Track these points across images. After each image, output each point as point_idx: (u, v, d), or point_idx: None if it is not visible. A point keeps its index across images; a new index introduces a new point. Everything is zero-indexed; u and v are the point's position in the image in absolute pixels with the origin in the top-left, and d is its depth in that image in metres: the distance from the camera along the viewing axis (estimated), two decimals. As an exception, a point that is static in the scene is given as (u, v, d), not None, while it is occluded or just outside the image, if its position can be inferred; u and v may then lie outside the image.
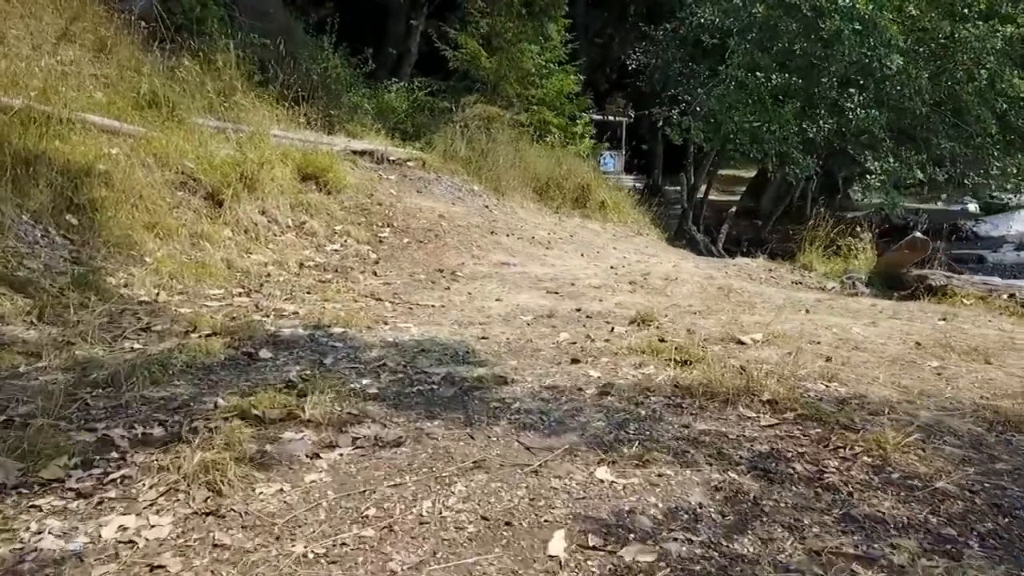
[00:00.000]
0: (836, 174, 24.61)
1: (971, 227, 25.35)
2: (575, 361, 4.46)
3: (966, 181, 17.97)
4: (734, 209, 27.05)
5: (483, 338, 5.10)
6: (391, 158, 11.66)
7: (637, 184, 33.51)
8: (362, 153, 11.50)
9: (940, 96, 16.69)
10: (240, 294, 6.59)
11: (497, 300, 6.73)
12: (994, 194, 26.24)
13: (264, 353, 4.53)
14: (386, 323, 5.54)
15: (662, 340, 5.01)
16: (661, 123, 27.04)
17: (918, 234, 9.02)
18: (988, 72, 16.12)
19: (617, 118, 34.71)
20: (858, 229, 11.54)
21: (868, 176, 16.53)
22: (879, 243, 12.44)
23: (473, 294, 7.01)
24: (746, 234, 26.23)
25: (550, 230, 11.14)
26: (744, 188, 29.98)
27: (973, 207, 29.36)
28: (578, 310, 6.30)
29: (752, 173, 30.12)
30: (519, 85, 15.95)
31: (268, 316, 5.73)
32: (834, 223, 12.19)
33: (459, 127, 12.40)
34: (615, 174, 35.91)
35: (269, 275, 7.33)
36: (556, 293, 7.19)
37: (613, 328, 5.45)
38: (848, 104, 16.26)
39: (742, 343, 5.02)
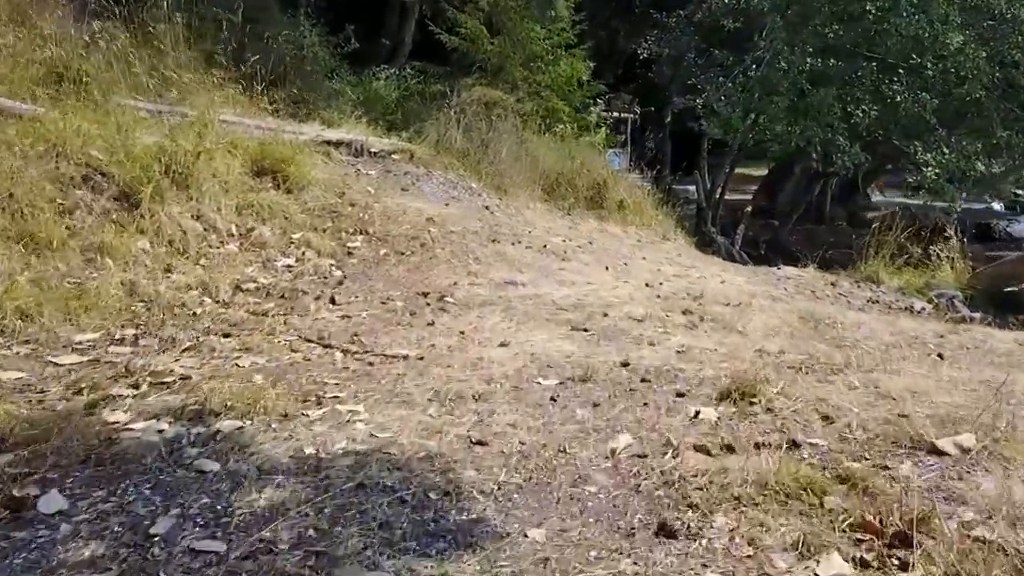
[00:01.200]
0: (857, 171, 22.28)
1: (1004, 227, 22.97)
2: (666, 532, 2.13)
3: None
4: (750, 209, 24.73)
5: (479, 443, 2.80)
6: (372, 150, 9.38)
7: (645, 184, 31.21)
8: (337, 144, 9.21)
9: (994, 80, 14.36)
10: (121, 341, 4.30)
11: (502, 345, 4.43)
12: (1019, 192, 23.94)
13: (52, 500, 2.25)
14: (320, 403, 3.24)
15: (795, 444, 2.72)
16: (669, 118, 24.68)
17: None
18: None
19: (623, 115, 32.30)
20: (947, 233, 9.18)
21: (924, 169, 14.16)
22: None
23: (468, 333, 4.71)
24: (763, 235, 23.98)
25: (564, 236, 8.83)
26: (756, 187, 27.60)
27: (998, 205, 26.92)
28: (625, 365, 4.00)
29: (763, 171, 27.73)
30: (525, 69, 13.61)
31: (136, 387, 3.44)
32: (904, 226, 9.85)
33: (454, 114, 10.05)
34: (621, 173, 33.67)
35: (183, 305, 5.04)
36: (584, 330, 4.89)
37: (698, 413, 3.14)
38: (896, 87, 13.94)
39: (941, 452, 2.71)
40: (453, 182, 9.34)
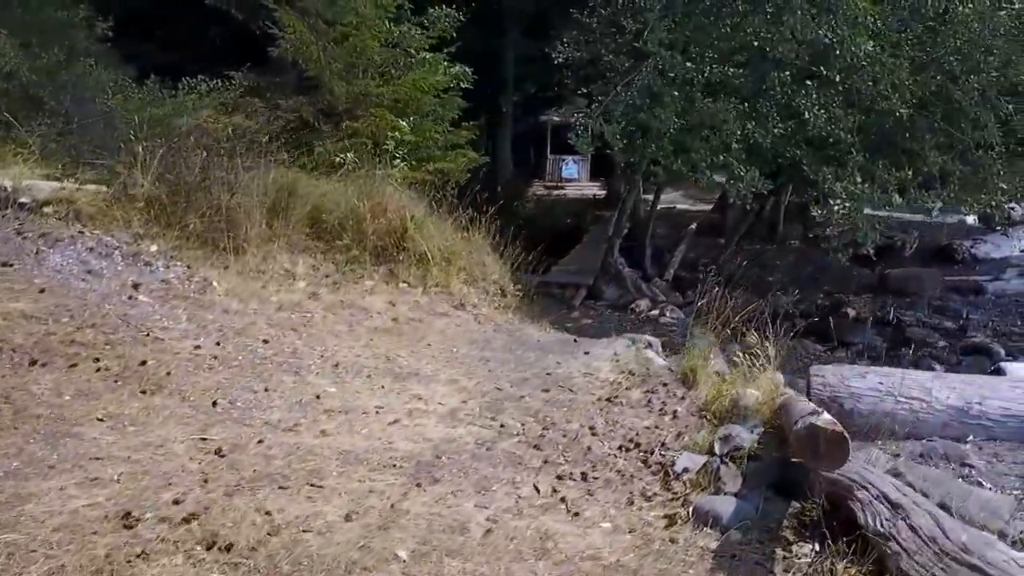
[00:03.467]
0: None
1: (968, 247, 19.74)
2: None
3: (963, 208, 12.62)
4: (695, 226, 21.63)
5: None
6: (22, 200, 6.66)
7: (598, 193, 28.21)
8: (-35, 194, 6.52)
9: (927, 94, 11.31)
10: None
11: None
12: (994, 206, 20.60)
13: None
14: None
15: None
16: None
17: (824, 420, 3.63)
18: (995, 60, 10.74)
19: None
20: (768, 324, 6.12)
21: (830, 201, 11.17)
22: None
23: None
24: (707, 256, 20.89)
25: (242, 326, 6.04)
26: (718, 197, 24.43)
27: (972, 219, 23.49)
28: None
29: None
30: (344, 81, 10.73)
31: None
32: (743, 302, 6.91)
33: (143, 147, 7.18)
34: (577, 181, 30.61)
35: None
36: None
37: None
38: (803, 102, 10.97)
39: None
40: (113, 247, 6.56)
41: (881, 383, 6.52)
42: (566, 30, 16.25)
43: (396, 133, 9.41)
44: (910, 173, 11.23)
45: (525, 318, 9.19)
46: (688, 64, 11.50)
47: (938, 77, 11.23)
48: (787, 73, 11.43)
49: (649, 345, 8.28)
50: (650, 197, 19.75)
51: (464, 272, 9.08)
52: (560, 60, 15.29)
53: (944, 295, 18.11)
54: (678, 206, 25.70)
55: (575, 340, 8.26)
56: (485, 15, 20.34)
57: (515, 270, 9.95)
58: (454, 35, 13.73)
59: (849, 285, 18.40)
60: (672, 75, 11.38)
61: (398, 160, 9.09)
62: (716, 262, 19.94)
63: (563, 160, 30.28)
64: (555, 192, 28.69)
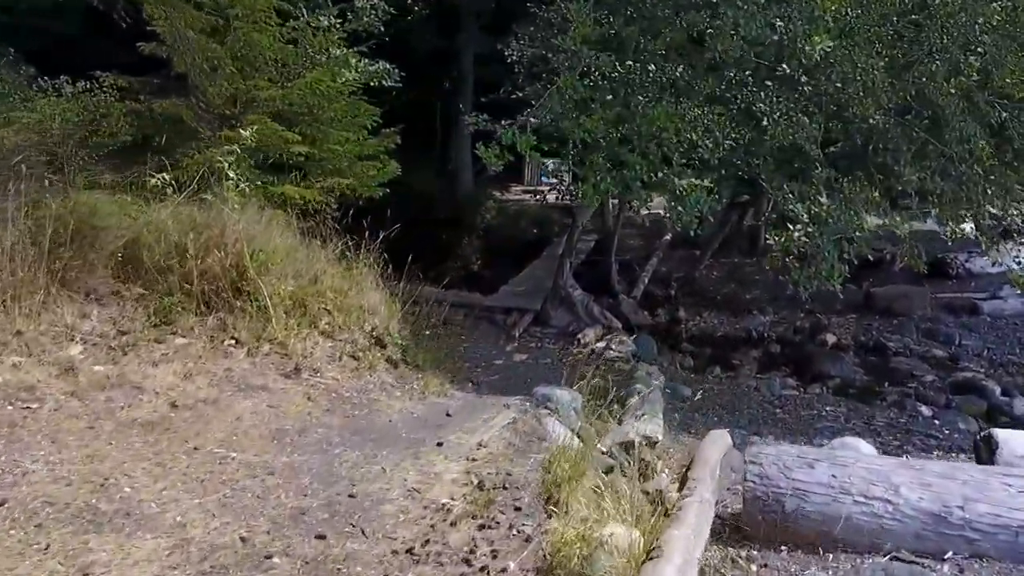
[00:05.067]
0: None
1: (963, 262, 17.73)
2: None
3: (944, 227, 10.54)
4: (669, 237, 19.54)
5: None
6: None
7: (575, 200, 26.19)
8: None
9: (905, 99, 9.26)
10: None
11: None
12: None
13: None
14: None
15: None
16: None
17: None
18: (981, 60, 8.70)
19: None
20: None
21: (789, 227, 9.14)
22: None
23: None
24: (679, 271, 18.91)
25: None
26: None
27: (968, 226, 21.23)
28: None
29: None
30: (211, 81, 8.77)
31: None
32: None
33: None
34: (558, 185, 28.50)
35: None
36: None
37: None
38: (761, 107, 8.99)
39: None
40: None
41: (835, 476, 4.78)
42: (526, 26, 14.29)
43: (236, 146, 7.36)
44: (878, 193, 9.22)
45: (404, 376, 7.19)
46: (629, 64, 9.51)
47: (923, 79, 9.19)
48: (748, 73, 9.44)
49: (557, 411, 6.37)
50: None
51: (326, 319, 7.11)
52: (514, 58, 13.31)
53: (935, 315, 16.14)
54: (664, 212, 23.66)
55: (448, 415, 6.28)
56: (440, 9, 18.43)
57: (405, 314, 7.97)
58: (382, 29, 11.84)
59: (832, 304, 16.45)
60: (605, 76, 9.39)
61: (233, 179, 7.04)
62: (689, 278, 17.96)
63: (543, 163, 28.29)
64: (532, 198, 26.69)
